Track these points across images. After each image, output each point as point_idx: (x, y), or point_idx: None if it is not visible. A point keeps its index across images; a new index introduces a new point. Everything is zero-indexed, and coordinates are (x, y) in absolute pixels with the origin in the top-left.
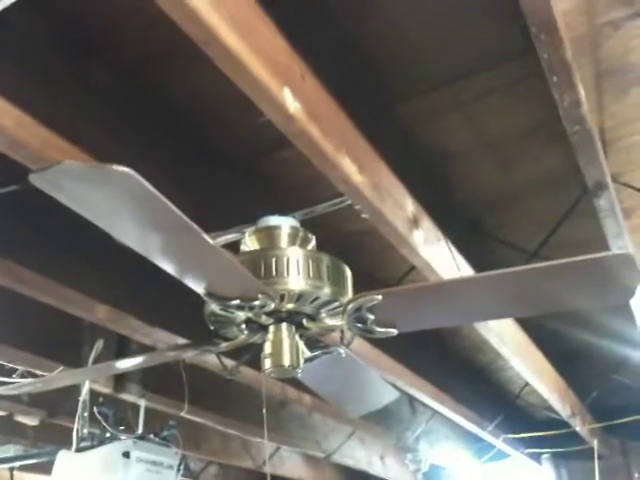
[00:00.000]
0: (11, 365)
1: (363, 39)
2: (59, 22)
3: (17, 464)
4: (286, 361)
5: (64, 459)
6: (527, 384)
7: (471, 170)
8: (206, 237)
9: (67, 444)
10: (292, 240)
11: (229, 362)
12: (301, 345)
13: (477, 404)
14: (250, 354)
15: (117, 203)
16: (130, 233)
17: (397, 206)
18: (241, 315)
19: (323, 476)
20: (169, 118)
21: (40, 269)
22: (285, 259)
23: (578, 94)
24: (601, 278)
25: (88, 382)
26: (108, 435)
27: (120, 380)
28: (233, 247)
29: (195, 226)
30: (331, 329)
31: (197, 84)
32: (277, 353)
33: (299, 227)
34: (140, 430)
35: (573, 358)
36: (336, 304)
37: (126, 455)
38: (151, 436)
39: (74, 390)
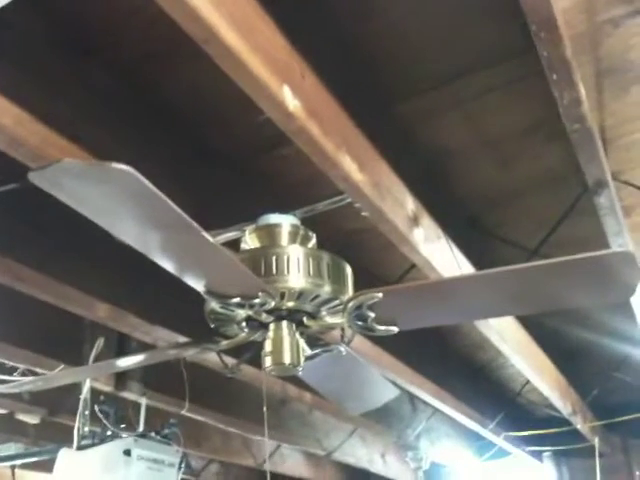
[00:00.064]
0: (12, 363)
1: (363, 39)
2: (58, 21)
3: (18, 462)
4: (287, 359)
5: (65, 457)
6: (528, 382)
7: (471, 168)
8: (206, 235)
9: (68, 442)
10: (292, 238)
11: (230, 360)
12: (301, 343)
13: (478, 402)
14: (251, 352)
15: (117, 201)
16: (130, 231)
17: (397, 204)
18: (241, 313)
19: (324, 474)
20: (169, 116)
21: (40, 267)
22: (285, 257)
23: (578, 92)
24: (601, 276)
25: (89, 380)
26: (109, 433)
27: (121, 378)
28: (233, 245)
29: (195, 224)
30: (331, 327)
31: (196, 82)
32: (277, 351)
33: (299, 225)
34: (141, 428)
35: (574, 356)
36: (336, 302)
37: (127, 453)
38: (152, 434)
39: (75, 388)
